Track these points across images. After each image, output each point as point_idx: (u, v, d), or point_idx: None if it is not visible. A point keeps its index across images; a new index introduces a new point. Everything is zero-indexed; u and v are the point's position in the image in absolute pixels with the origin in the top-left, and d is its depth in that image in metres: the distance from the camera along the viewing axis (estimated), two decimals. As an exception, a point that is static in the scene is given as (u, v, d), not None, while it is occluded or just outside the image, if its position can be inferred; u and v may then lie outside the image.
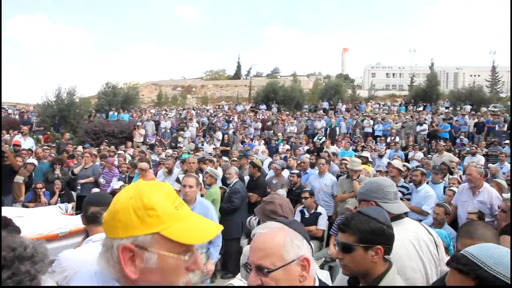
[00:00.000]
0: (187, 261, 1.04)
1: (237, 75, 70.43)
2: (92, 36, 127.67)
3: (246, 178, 7.69)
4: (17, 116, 21.45)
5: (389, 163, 6.94)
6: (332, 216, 6.62)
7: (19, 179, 7.95)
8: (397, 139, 15.49)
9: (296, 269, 1.31)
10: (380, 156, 11.61)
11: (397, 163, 6.75)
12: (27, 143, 11.48)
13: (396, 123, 17.69)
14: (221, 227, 1.15)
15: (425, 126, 16.56)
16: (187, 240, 1.02)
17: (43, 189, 7.83)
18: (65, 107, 19.47)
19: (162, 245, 1.00)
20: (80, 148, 12.52)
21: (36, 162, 8.88)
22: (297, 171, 7.70)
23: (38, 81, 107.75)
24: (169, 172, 8.03)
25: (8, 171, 7.50)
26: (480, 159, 10.83)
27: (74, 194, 8.71)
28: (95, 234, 2.21)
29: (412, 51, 62.02)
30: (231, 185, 6.59)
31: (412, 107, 26.23)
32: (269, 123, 19.29)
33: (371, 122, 18.09)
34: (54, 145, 13.99)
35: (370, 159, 9.49)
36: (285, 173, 8.03)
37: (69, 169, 9.26)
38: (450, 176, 7.69)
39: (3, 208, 5.98)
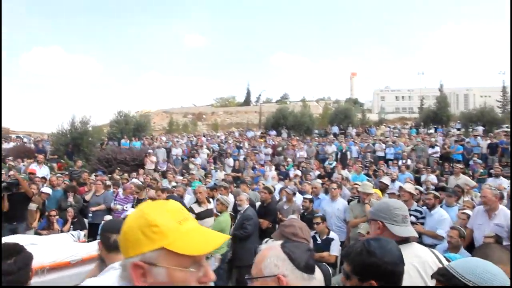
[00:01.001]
0: (197, 274, 1.07)
1: (246, 102, 71.10)
2: (103, 65, 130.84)
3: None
4: (32, 145, 21.81)
5: (400, 187, 6.85)
6: (345, 241, 6.54)
7: (32, 206, 8.05)
8: (409, 162, 15.35)
9: (271, 284, 1.44)
10: (393, 181, 11.35)
11: (409, 187, 6.67)
12: (42, 171, 11.70)
13: (407, 146, 17.57)
14: (227, 237, 1.21)
15: (437, 149, 16.41)
16: (191, 251, 1.04)
17: (57, 217, 7.91)
18: (78, 136, 19.77)
19: (169, 259, 1.04)
20: (93, 176, 12.64)
21: (50, 190, 9.01)
22: (310, 197, 7.66)
23: (52, 110, 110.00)
24: (180, 198, 8.05)
25: (22, 199, 7.60)
26: (504, 182, 10.53)
27: (85, 221, 8.77)
28: (117, 262, 2.21)
29: (421, 73, 62.19)
30: (242, 212, 6.57)
31: (423, 129, 26.10)
32: (280, 149, 19.30)
33: (383, 145, 18.00)
34: (67, 173, 14.16)
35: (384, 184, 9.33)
36: (296, 198, 8.00)
37: (81, 196, 9.36)
38: (465, 199, 7.56)
39: (17, 236, 6.04)
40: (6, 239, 5.08)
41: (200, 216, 6.74)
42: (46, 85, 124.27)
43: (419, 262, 2.11)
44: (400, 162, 14.90)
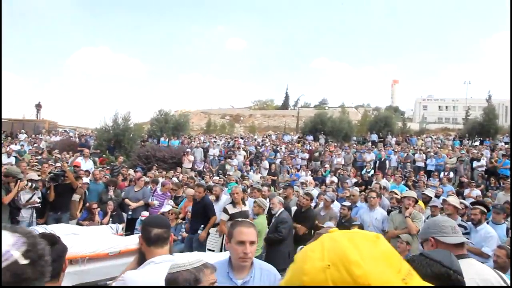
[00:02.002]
0: None
1: (284, 106, 70.93)
2: (147, 66, 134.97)
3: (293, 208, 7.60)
4: (76, 139, 22.78)
5: (444, 200, 6.57)
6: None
7: (76, 197, 8.39)
8: (451, 174, 14.76)
9: None
10: (437, 197, 9.67)
11: (454, 200, 6.39)
12: (87, 164, 12.17)
13: (450, 158, 16.91)
14: None
15: (483, 162, 15.68)
16: None
17: (98, 209, 8.19)
18: (120, 132, 20.44)
19: None
20: (131, 171, 13.00)
21: (88, 180, 9.39)
22: (349, 204, 7.50)
23: (97, 107, 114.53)
24: (216, 198, 8.11)
25: (67, 189, 7.92)
26: None
27: (124, 215, 9.02)
28: (157, 256, 2.21)
29: (467, 83, 59.35)
30: (276, 215, 6.52)
31: (467, 141, 25.02)
32: (317, 154, 19.10)
33: (423, 156, 17.42)
34: (108, 167, 14.65)
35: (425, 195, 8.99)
36: (335, 205, 7.87)
37: (121, 191, 9.64)
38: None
39: (60, 225, 6.29)
40: (50, 228, 5.30)
41: (234, 217, 6.76)
42: (92, 83, 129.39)
43: (481, 279, 2.00)
44: (442, 174, 14.36)
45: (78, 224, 7.71)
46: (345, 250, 0.67)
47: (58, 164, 11.23)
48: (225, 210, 6.91)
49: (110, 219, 8.31)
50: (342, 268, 0.65)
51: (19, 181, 6.97)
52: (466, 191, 11.95)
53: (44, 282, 0.98)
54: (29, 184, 7.15)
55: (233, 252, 2.44)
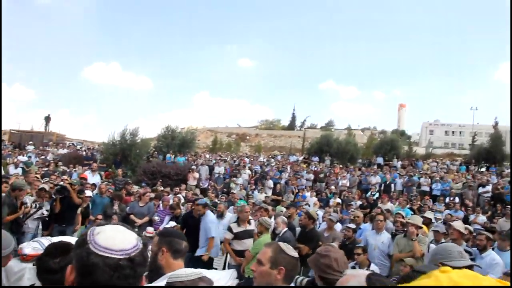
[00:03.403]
0: None
1: (291, 126, 71.23)
2: (156, 83, 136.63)
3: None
4: (83, 152, 22.96)
5: (449, 225, 6.54)
6: (388, 277, 6.29)
7: (79, 211, 8.45)
8: (456, 199, 14.67)
9: None
10: (445, 223, 10.18)
11: (459, 225, 6.35)
12: (94, 178, 12.26)
13: (456, 183, 16.82)
14: None
15: (489, 188, 15.59)
16: None
17: (101, 221, 8.22)
18: (127, 147, 20.58)
19: None
20: (135, 186, 13.02)
21: (91, 193, 9.45)
22: (354, 226, 7.48)
23: (106, 121, 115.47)
24: (221, 216, 8.13)
25: (73, 203, 7.99)
26: None
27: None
28: (181, 269, 2.21)
29: (474, 109, 59.35)
30: (280, 234, 6.52)
31: (473, 167, 24.89)
32: (322, 175, 19.09)
33: (429, 180, 17.36)
34: (112, 181, 14.72)
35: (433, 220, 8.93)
36: (337, 226, 7.85)
37: (126, 205, 9.68)
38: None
39: (66, 237, 6.31)
40: (53, 240, 5.33)
41: (238, 236, 6.76)
42: (102, 98, 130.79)
43: None
44: (447, 199, 14.28)
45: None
46: None
47: (65, 177, 11.33)
48: (229, 229, 6.91)
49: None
50: None
51: (23, 206, 6.97)
52: (472, 217, 11.86)
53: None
54: (33, 205, 7.22)
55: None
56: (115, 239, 1.08)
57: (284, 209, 10.35)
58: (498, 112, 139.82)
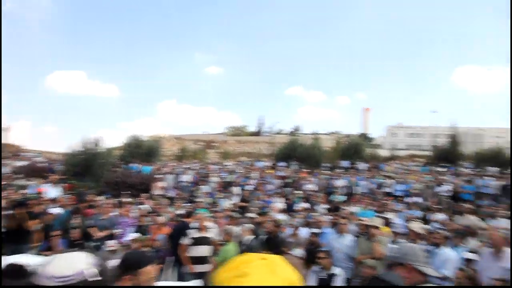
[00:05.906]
0: None
1: (258, 132, 71.55)
2: (122, 91, 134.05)
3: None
4: (43, 164, 22.11)
5: (407, 226, 6.75)
6: (351, 278, 6.38)
7: (37, 226, 8.08)
8: (417, 199, 15.14)
9: None
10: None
11: (415, 226, 6.56)
12: (54, 191, 11.78)
13: (417, 184, 17.37)
14: None
15: (448, 187, 16.18)
16: None
17: (59, 237, 7.88)
18: (90, 157, 19.96)
19: None
20: (99, 198, 12.64)
21: (58, 211, 9.07)
22: (318, 231, 7.55)
23: (69, 131, 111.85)
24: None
25: (30, 218, 7.64)
26: (501, 221, 10.28)
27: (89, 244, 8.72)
28: None
29: (434, 112, 61.81)
30: (245, 242, 6.50)
31: (434, 167, 25.82)
32: (289, 180, 19.22)
33: (392, 182, 17.84)
34: (73, 194, 14.22)
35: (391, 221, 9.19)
36: (304, 231, 7.90)
37: (87, 218, 9.35)
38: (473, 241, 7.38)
39: (23, 256, 6.03)
40: (10, 259, 5.08)
41: (196, 242, 6.74)
42: (66, 107, 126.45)
43: None
44: (408, 199, 14.71)
45: (39, 254, 7.41)
46: None
47: (25, 191, 10.86)
48: (188, 234, 6.87)
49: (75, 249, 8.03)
50: None
51: None
52: (431, 216, 12.24)
53: None
54: None
55: None
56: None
57: (254, 216, 10.30)
58: (455, 114, 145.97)
